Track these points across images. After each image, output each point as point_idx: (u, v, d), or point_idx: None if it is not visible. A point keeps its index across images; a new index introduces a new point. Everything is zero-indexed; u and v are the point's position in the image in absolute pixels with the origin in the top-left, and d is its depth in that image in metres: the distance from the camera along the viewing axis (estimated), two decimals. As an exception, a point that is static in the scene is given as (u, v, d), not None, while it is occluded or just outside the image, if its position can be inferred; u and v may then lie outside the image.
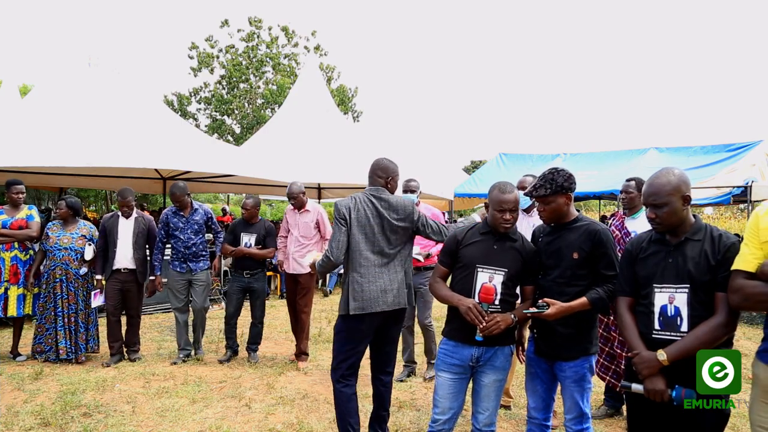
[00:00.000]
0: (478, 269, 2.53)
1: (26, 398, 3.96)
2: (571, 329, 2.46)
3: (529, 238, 3.68)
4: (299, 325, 5.05)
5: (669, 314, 2.07)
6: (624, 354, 3.51)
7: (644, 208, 3.66)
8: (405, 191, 4.81)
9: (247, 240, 4.99)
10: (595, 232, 2.46)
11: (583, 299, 2.41)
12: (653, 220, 2.13)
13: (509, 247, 2.57)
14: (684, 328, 2.03)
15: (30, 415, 3.63)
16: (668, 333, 2.05)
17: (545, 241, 2.62)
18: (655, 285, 2.11)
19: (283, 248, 5.13)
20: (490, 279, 2.51)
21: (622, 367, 3.50)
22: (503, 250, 2.55)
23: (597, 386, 3.58)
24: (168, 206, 5.54)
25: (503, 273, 2.51)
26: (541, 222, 3.64)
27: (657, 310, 2.09)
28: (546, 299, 2.44)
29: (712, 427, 2.03)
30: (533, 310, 2.45)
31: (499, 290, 2.50)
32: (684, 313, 2.03)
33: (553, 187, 2.48)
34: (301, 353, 5.03)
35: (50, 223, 5.04)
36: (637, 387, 2.09)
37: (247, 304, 5.27)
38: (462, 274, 2.59)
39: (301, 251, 4.94)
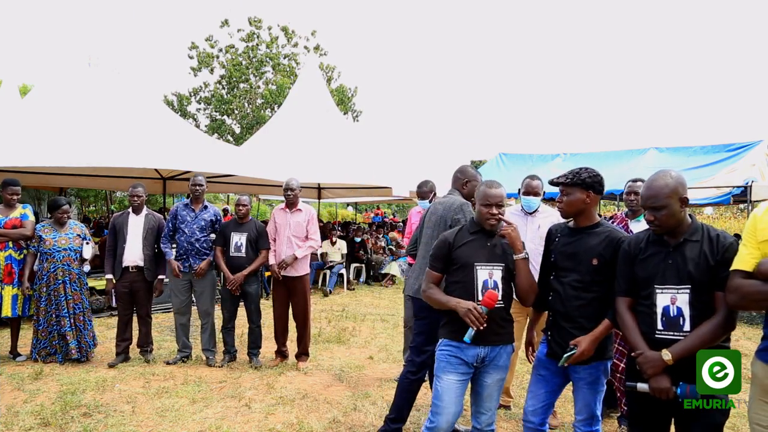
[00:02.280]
0: (477, 267, 2.52)
1: (26, 398, 3.95)
2: (588, 333, 2.44)
3: (533, 239, 3.68)
4: (299, 327, 5.02)
5: (671, 315, 2.09)
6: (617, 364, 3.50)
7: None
8: (418, 197, 4.82)
9: (238, 240, 4.89)
10: (618, 240, 2.43)
11: (607, 322, 2.40)
12: (652, 222, 2.15)
13: (503, 243, 2.57)
14: (687, 327, 2.05)
15: (30, 415, 3.63)
16: (671, 333, 2.08)
17: (562, 242, 2.58)
18: (656, 286, 2.13)
19: (272, 252, 4.98)
20: (490, 275, 2.50)
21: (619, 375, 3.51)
22: (497, 246, 2.55)
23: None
24: (170, 206, 5.52)
25: (501, 268, 2.51)
26: (543, 225, 3.65)
27: (659, 310, 2.11)
28: (573, 341, 2.41)
29: (714, 423, 2.05)
30: (566, 356, 2.41)
31: (500, 286, 2.50)
32: (686, 313, 2.06)
33: (574, 179, 2.48)
34: (301, 353, 5.02)
35: (40, 225, 4.95)
36: (642, 386, 2.12)
37: (242, 308, 5.22)
38: (460, 274, 2.55)
39: (294, 252, 4.86)
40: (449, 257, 2.60)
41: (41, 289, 4.80)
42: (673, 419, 2.18)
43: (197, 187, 5.00)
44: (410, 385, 3.32)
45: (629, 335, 2.20)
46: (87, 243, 4.94)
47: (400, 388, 3.34)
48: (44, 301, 4.79)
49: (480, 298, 2.46)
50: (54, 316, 4.79)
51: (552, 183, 2.62)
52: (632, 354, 2.19)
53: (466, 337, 2.43)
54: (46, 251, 4.80)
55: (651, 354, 2.08)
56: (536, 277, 2.80)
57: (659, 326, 2.11)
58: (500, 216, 2.53)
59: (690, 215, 2.17)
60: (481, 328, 2.40)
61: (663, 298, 2.11)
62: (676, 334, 2.07)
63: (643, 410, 2.20)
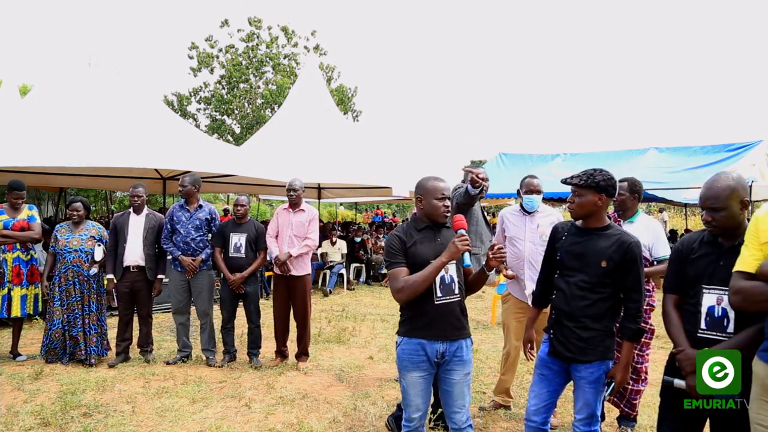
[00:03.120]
0: None
1: (26, 398, 3.95)
2: (592, 332, 2.45)
3: (533, 238, 3.67)
4: (299, 327, 5.02)
5: (716, 315, 2.11)
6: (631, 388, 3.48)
7: (639, 211, 3.55)
8: None
9: (237, 240, 4.90)
10: (628, 244, 2.43)
11: (628, 344, 2.44)
12: (709, 223, 2.16)
13: (450, 235, 2.49)
14: (731, 329, 2.08)
15: (30, 415, 3.63)
16: (714, 333, 2.11)
17: (570, 242, 2.57)
18: (703, 286, 2.16)
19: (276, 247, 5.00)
20: (446, 271, 2.44)
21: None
22: (446, 240, 2.48)
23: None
24: (169, 206, 5.52)
25: (454, 261, 2.45)
26: (542, 224, 3.64)
27: (704, 310, 2.14)
28: (609, 373, 2.46)
29: (744, 425, 2.04)
30: (609, 390, 2.47)
31: (456, 280, 2.47)
32: (731, 314, 2.07)
33: (588, 182, 2.46)
34: (301, 353, 5.02)
35: (58, 226, 5.00)
36: (679, 382, 2.15)
37: (242, 308, 5.20)
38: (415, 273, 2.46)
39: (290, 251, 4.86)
40: (407, 254, 2.49)
41: (55, 289, 4.81)
42: (704, 419, 2.20)
43: (180, 188, 5.01)
44: None
45: (672, 332, 2.24)
46: (99, 245, 4.89)
47: None
48: (57, 302, 4.79)
49: (439, 294, 2.44)
50: (66, 317, 4.79)
51: (565, 182, 2.58)
52: (673, 350, 2.23)
53: (467, 261, 2.41)
54: (59, 251, 4.81)
55: (691, 352, 2.10)
56: (536, 276, 2.79)
57: (702, 325, 2.14)
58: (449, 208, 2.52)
59: (748, 219, 2.16)
60: (470, 247, 2.37)
61: (709, 298, 2.13)
62: (719, 334, 2.09)
63: (678, 407, 2.22)
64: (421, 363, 2.49)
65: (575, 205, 2.53)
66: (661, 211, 11.78)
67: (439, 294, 2.45)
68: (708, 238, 2.22)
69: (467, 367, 2.52)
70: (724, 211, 2.10)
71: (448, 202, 2.51)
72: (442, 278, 2.46)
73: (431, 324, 2.45)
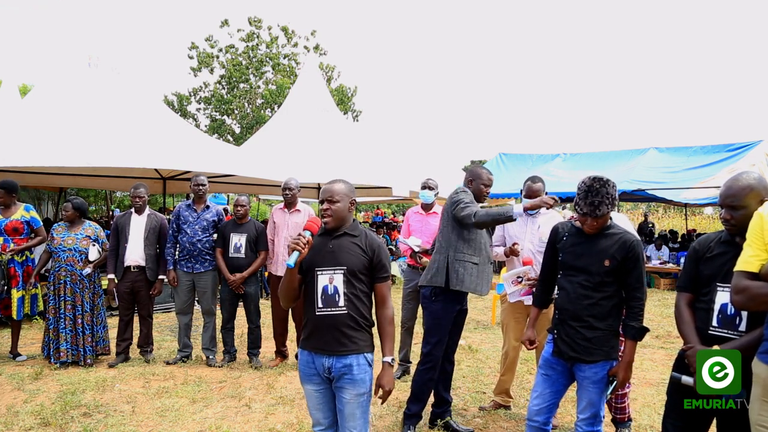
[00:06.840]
0: (317, 272, 2.30)
1: (26, 398, 3.95)
2: (597, 332, 2.46)
3: (533, 239, 3.66)
4: (299, 327, 5.02)
5: (728, 312, 2.12)
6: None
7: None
8: (423, 188, 4.81)
9: (237, 241, 4.90)
10: (630, 242, 2.45)
11: (631, 342, 2.45)
12: (728, 221, 2.16)
13: (349, 243, 2.31)
14: (743, 327, 2.08)
15: (30, 415, 3.63)
16: (725, 331, 2.12)
17: (571, 242, 2.59)
18: (718, 284, 2.17)
19: (270, 259, 5.01)
20: (330, 281, 2.29)
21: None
22: (341, 247, 2.31)
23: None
24: (170, 206, 5.51)
25: (342, 271, 2.28)
26: (543, 225, 3.64)
27: (717, 307, 2.15)
28: (612, 371, 2.47)
29: (749, 425, 2.04)
30: (611, 388, 2.49)
31: (341, 292, 2.27)
32: (744, 312, 2.08)
33: (613, 202, 2.45)
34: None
35: (56, 224, 5.00)
36: (687, 379, 2.16)
37: (242, 308, 5.21)
38: (306, 280, 2.34)
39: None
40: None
41: (50, 288, 4.81)
42: (711, 417, 2.20)
43: (200, 187, 5.01)
44: (418, 375, 3.46)
45: (683, 329, 2.25)
46: (94, 245, 4.88)
47: (413, 379, 3.52)
48: (52, 300, 4.78)
49: (320, 305, 2.28)
50: (58, 315, 4.77)
51: (580, 212, 2.49)
52: (683, 347, 2.24)
53: (288, 261, 2.24)
54: (53, 249, 4.80)
55: (701, 349, 2.10)
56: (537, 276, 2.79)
57: (714, 323, 2.15)
58: (331, 212, 2.32)
59: None
60: (302, 250, 2.21)
61: (722, 296, 2.14)
62: (730, 332, 2.10)
63: (682, 405, 2.23)
64: (313, 376, 2.35)
65: (597, 225, 2.48)
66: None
67: (320, 305, 2.28)
68: (725, 238, 2.23)
69: (359, 387, 2.29)
70: (743, 210, 2.09)
71: (326, 205, 2.32)
72: (325, 288, 2.28)
73: (313, 335, 2.33)
